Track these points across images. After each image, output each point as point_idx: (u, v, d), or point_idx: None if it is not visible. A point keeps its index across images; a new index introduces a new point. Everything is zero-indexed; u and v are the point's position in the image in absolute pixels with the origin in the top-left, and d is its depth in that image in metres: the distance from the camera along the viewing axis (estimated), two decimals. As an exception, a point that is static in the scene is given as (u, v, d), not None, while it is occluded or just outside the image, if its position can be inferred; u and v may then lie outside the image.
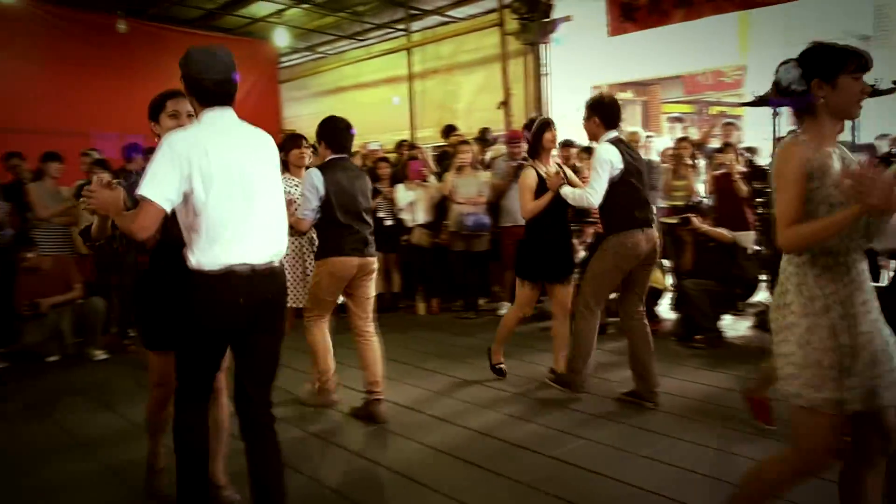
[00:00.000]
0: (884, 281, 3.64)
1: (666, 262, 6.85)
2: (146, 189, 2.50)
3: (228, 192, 2.62)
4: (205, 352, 2.76)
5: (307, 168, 4.87)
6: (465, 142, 7.69)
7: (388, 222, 7.78)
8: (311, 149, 5.29)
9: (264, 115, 11.39)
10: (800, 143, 2.24)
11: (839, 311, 2.19)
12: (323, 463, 3.82)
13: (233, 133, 2.74)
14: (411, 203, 7.67)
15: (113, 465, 3.87)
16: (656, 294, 6.49)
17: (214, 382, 2.94)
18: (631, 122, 11.54)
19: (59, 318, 6.23)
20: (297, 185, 4.93)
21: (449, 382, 5.16)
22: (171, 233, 2.78)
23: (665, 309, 6.76)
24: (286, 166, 5.09)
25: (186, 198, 2.58)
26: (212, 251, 2.61)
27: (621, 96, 12.28)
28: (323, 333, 4.54)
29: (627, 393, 4.59)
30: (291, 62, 13.04)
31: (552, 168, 4.89)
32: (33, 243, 6.36)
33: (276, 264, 2.81)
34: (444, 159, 8.24)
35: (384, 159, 8.20)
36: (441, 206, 7.65)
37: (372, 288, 4.60)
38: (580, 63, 9.31)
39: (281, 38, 11.29)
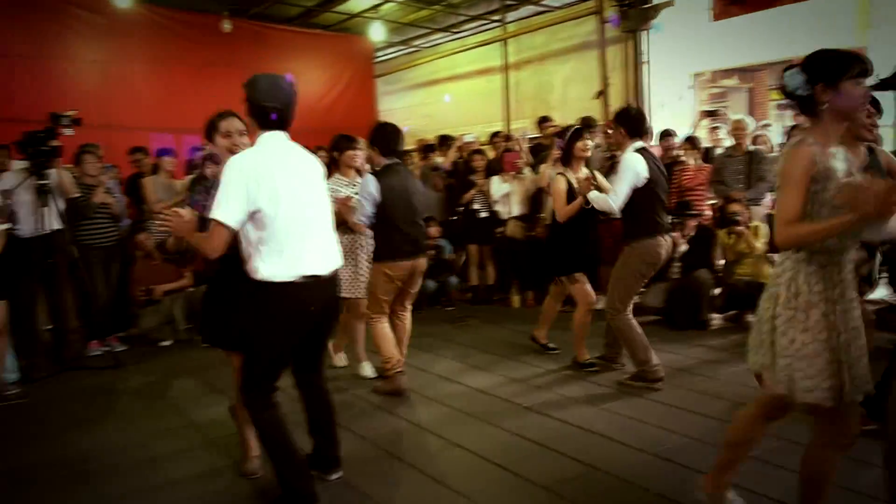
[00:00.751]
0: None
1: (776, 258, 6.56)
2: (218, 212, 2.74)
3: (292, 208, 2.86)
4: (277, 354, 3.03)
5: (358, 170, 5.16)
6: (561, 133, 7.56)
7: (483, 214, 7.78)
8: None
9: (360, 109, 11.56)
10: (808, 145, 2.33)
11: (823, 308, 2.36)
12: (410, 447, 3.84)
13: (290, 154, 2.99)
14: (506, 195, 7.63)
15: (215, 440, 4.08)
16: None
17: None
18: (735, 110, 11.12)
19: (172, 304, 6.55)
20: (347, 185, 5.02)
21: (543, 374, 5.12)
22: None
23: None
24: (337, 166, 5.18)
25: (253, 215, 2.79)
26: (281, 263, 2.85)
27: (725, 83, 11.83)
28: (384, 327, 4.82)
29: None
30: (386, 56, 13.19)
31: (582, 174, 5.09)
32: (148, 231, 6.73)
33: (334, 271, 3.09)
34: (539, 151, 8.14)
35: (479, 151, 8.19)
36: (536, 199, 7.57)
37: (418, 284, 4.97)
38: (681, 50, 8.99)
39: (377, 32, 11.42)
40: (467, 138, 8.83)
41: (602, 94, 9.33)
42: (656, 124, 7.62)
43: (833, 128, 2.37)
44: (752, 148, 6.96)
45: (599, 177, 5.21)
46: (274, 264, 2.84)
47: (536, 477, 3.40)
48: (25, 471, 3.80)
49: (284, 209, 2.83)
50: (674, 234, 5.02)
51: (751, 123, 7.30)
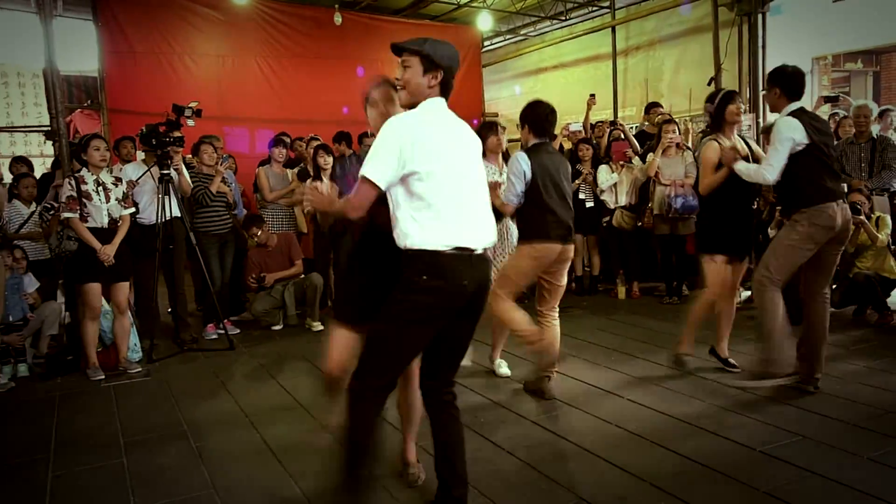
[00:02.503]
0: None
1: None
2: (367, 169, 2.59)
3: (446, 176, 2.65)
4: (416, 336, 2.70)
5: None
6: (670, 120, 7.38)
7: (589, 204, 7.68)
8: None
9: (467, 99, 11.64)
10: None
11: None
12: (515, 437, 3.84)
13: (448, 122, 2.79)
14: (614, 185, 7.52)
15: (326, 425, 4.13)
16: (889, 285, 5.90)
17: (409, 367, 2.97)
18: (858, 96, 10.53)
19: (283, 290, 6.80)
20: (494, 172, 5.03)
21: (651, 368, 5.02)
22: (376, 220, 2.84)
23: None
24: (483, 153, 5.18)
25: (405, 179, 2.61)
26: (437, 230, 2.61)
27: (848, 67, 11.22)
28: (514, 304, 4.40)
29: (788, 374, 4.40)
30: (493, 46, 13.19)
31: (735, 142, 4.61)
32: (263, 221, 6.98)
33: (486, 251, 2.80)
34: (645, 139, 7.95)
35: (586, 140, 8.08)
36: (644, 188, 7.42)
37: (565, 275, 4.63)
38: (800, 32, 8.59)
39: (484, 21, 11.43)
40: (574, 127, 8.74)
41: (714, 80, 9.02)
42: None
43: None
44: (877, 134, 6.59)
45: (754, 145, 4.75)
46: (428, 230, 2.61)
47: (637, 471, 3.36)
48: (143, 434, 4.05)
49: (442, 173, 2.63)
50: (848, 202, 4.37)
51: (874, 109, 6.89)
